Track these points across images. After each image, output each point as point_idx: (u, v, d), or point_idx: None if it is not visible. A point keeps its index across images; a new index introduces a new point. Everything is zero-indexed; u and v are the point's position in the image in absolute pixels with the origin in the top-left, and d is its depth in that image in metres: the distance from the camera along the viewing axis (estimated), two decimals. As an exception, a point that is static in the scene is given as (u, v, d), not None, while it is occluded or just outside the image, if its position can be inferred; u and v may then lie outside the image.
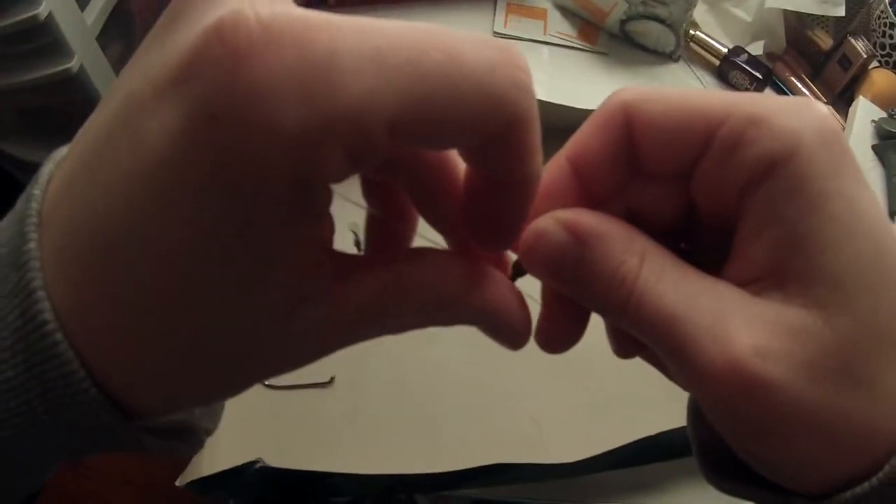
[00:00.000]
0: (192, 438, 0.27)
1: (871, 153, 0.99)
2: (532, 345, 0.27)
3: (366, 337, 0.23)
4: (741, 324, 0.21)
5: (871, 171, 0.98)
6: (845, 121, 1.03)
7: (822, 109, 0.21)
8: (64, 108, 1.41)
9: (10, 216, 0.21)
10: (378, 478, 0.62)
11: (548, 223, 0.24)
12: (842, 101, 1.10)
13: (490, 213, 0.23)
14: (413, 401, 0.71)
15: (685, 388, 0.24)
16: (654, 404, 0.72)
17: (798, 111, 0.21)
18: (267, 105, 0.16)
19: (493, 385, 0.72)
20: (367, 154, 0.18)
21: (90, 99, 1.37)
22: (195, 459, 0.62)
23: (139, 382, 0.21)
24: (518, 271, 0.27)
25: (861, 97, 1.05)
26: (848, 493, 0.21)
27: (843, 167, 0.21)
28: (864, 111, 1.03)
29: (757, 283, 0.22)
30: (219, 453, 0.66)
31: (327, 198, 0.20)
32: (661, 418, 0.63)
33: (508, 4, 1.11)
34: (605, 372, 0.73)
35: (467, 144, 0.21)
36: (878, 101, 1.05)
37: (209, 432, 0.29)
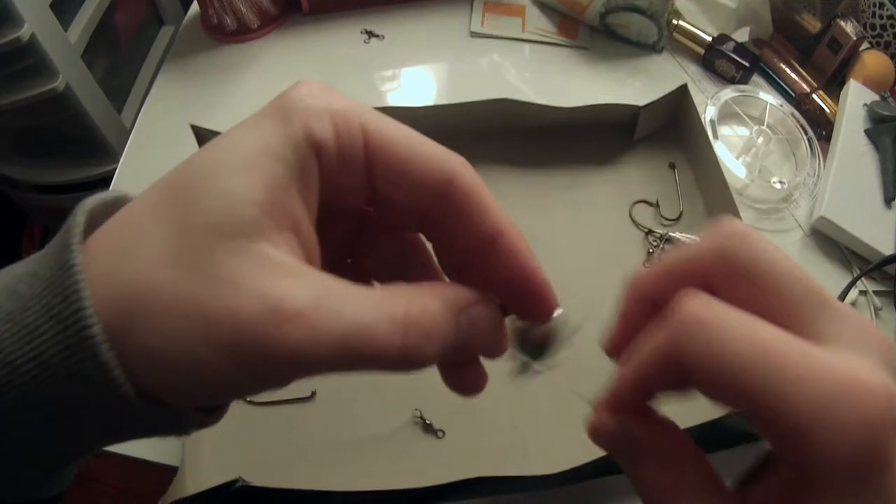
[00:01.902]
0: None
1: (864, 138, 0.98)
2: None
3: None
4: None
5: (865, 156, 0.96)
6: (837, 105, 1.02)
7: (874, 429, 0.21)
8: (53, 126, 1.42)
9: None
10: (361, 494, 0.61)
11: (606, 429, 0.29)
12: (833, 84, 1.07)
13: (511, 287, 0.30)
14: (395, 415, 0.70)
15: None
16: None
17: (843, 428, 0.21)
18: (298, 98, 0.27)
19: (477, 397, 0.71)
20: (346, 136, 0.27)
21: (78, 116, 1.37)
22: (177, 480, 0.61)
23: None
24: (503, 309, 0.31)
25: (852, 80, 1.03)
26: None
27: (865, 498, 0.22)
28: (856, 95, 1.01)
29: None
30: (200, 472, 0.65)
31: (313, 179, 0.27)
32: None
33: (485, 3, 1.11)
34: (588, 379, 0.72)
35: (420, 187, 0.28)
36: (870, 83, 1.03)
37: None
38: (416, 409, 0.70)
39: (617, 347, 0.31)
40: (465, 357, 0.29)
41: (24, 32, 1.17)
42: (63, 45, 1.29)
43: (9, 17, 1.15)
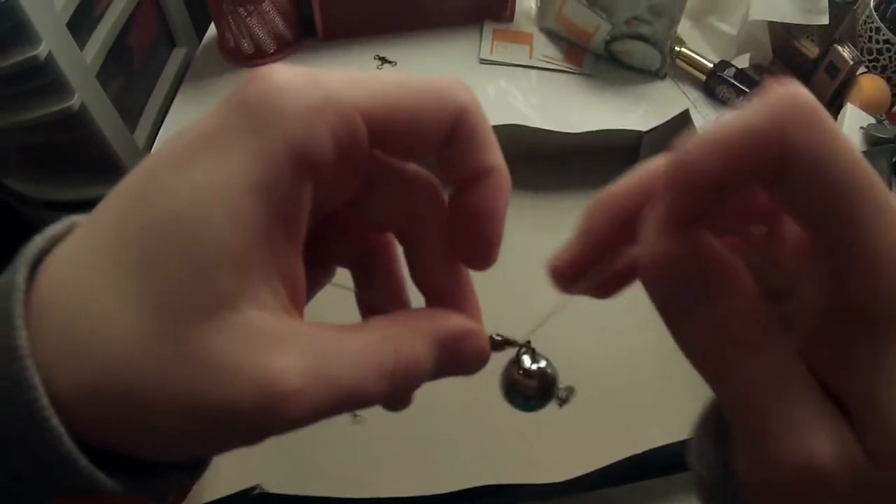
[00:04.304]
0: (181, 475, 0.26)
1: None
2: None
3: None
4: (822, 437, 0.22)
5: None
6: None
7: None
8: (66, 144, 1.43)
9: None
10: (374, 501, 0.62)
11: (678, 246, 0.23)
12: (832, 109, 1.08)
13: (471, 222, 0.26)
14: (407, 423, 0.71)
15: (741, 455, 0.24)
16: (646, 421, 0.73)
17: None
18: (273, 95, 0.21)
19: (485, 405, 0.72)
20: (347, 135, 0.22)
21: (92, 135, 1.39)
22: (195, 487, 0.62)
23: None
24: (493, 343, 0.30)
25: (849, 104, 1.04)
26: None
27: None
28: (853, 118, 1.02)
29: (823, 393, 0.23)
30: (218, 480, 0.67)
31: (302, 206, 0.23)
32: (653, 435, 0.64)
33: (495, 31, 1.14)
34: (595, 389, 0.74)
35: (430, 140, 0.24)
36: (867, 106, 1.04)
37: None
38: (426, 418, 0.72)
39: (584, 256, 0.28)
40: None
41: (41, 51, 1.17)
42: (79, 65, 1.30)
43: (26, 35, 1.15)
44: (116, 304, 0.20)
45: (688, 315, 0.23)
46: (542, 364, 0.32)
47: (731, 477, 0.26)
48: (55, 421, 0.20)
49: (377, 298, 0.30)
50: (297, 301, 0.24)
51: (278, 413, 0.21)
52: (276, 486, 0.61)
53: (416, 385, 0.25)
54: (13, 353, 0.20)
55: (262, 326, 0.21)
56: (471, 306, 0.29)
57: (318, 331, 0.23)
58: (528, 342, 0.32)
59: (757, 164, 0.21)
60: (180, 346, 0.20)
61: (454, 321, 0.27)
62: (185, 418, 0.21)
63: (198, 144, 0.21)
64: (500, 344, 0.31)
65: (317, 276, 0.30)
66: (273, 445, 0.67)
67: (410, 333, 0.25)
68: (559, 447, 0.70)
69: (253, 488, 0.60)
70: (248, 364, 0.21)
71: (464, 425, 0.71)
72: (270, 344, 0.21)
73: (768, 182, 0.21)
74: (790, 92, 0.20)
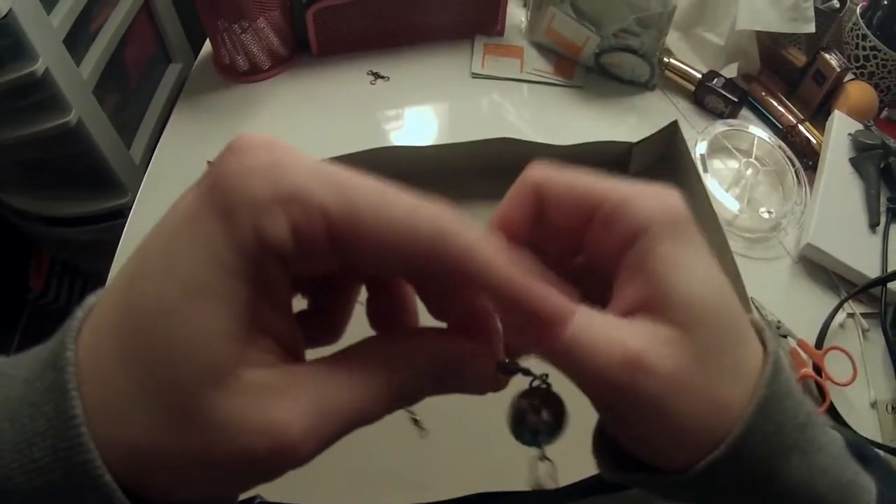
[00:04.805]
0: None
1: (848, 166, 1.00)
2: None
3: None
4: (630, 334, 0.27)
5: (850, 184, 0.98)
6: (823, 135, 1.04)
7: (674, 196, 0.29)
8: (63, 159, 1.44)
9: (59, 331, 0.25)
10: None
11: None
12: (819, 115, 1.10)
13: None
14: (405, 432, 0.72)
15: (582, 386, 0.29)
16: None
17: (655, 196, 0.29)
18: (241, 181, 0.23)
19: (482, 412, 0.73)
20: (307, 230, 0.23)
21: (89, 150, 1.40)
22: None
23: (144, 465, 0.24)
24: (502, 368, 0.30)
25: (836, 111, 1.05)
26: (701, 464, 0.28)
27: (682, 238, 0.28)
28: (841, 125, 1.03)
29: (632, 315, 0.29)
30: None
31: (279, 281, 0.25)
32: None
33: (486, 45, 1.15)
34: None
35: (403, 264, 0.25)
36: (855, 113, 1.05)
37: None
38: (421, 424, 0.73)
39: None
40: None
41: (39, 67, 1.18)
42: (75, 80, 1.31)
43: (23, 51, 1.16)
44: (127, 386, 0.23)
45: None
46: (556, 395, 0.32)
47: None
48: (108, 478, 0.23)
49: (385, 314, 0.31)
50: (295, 349, 0.27)
51: (292, 455, 0.24)
52: (275, 496, 0.62)
53: (415, 403, 0.27)
54: (70, 422, 0.23)
55: (262, 383, 0.24)
56: (487, 333, 0.30)
57: (317, 368, 0.25)
58: (546, 375, 0.31)
59: (525, 197, 0.31)
60: (190, 416, 0.23)
61: (456, 345, 0.29)
62: (210, 473, 0.24)
63: (182, 234, 0.24)
64: (511, 370, 0.30)
65: (347, 296, 0.32)
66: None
67: (408, 356, 0.27)
68: (557, 454, 0.71)
69: (253, 499, 0.61)
70: (256, 420, 0.23)
71: (461, 433, 0.72)
72: (272, 396, 0.24)
73: (537, 209, 0.31)
74: (539, 167, 0.31)
